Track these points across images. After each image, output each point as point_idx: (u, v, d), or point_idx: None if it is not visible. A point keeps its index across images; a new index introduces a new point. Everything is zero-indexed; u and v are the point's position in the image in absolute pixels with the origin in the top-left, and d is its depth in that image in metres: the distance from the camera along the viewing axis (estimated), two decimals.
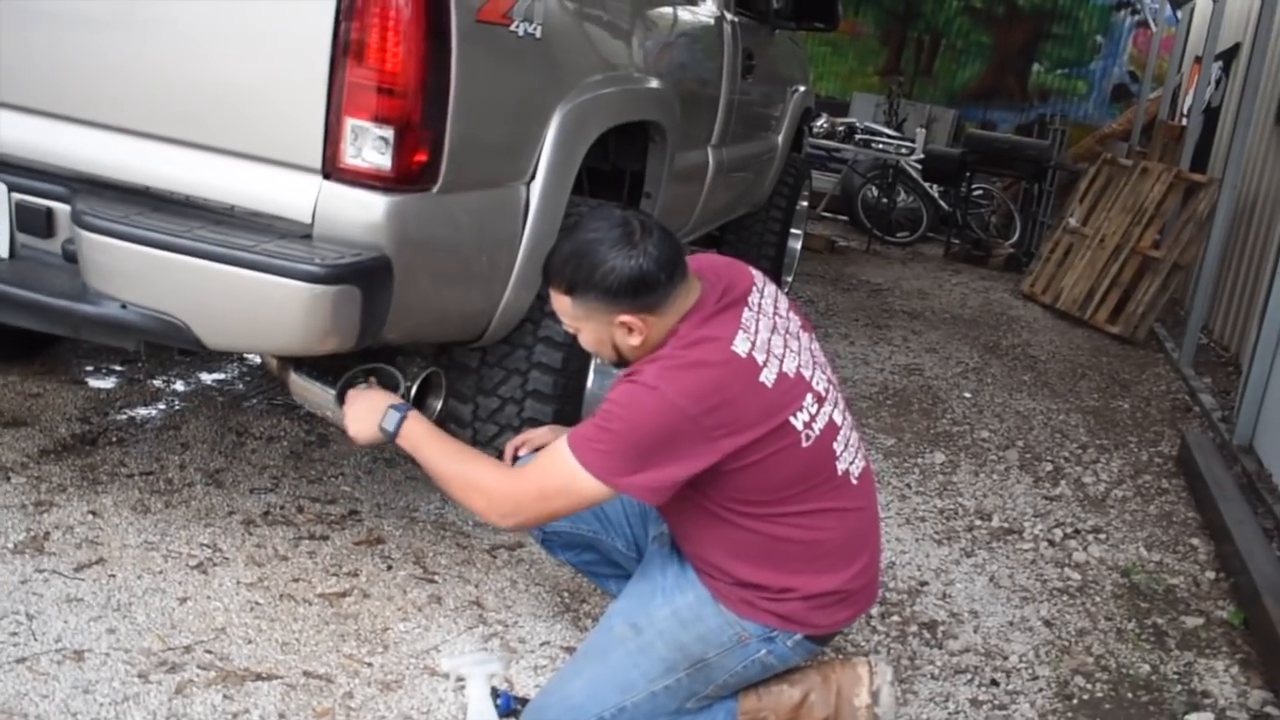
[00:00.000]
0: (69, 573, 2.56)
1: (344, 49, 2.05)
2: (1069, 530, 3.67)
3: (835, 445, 2.02)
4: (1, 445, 3.12)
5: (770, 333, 1.99)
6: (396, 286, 2.17)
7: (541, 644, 2.59)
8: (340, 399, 2.25)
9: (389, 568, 2.82)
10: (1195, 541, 3.71)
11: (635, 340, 1.98)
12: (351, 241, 2.12)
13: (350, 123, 2.08)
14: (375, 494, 3.21)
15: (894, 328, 6.26)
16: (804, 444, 1.96)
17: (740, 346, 1.92)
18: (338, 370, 2.43)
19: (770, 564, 2.00)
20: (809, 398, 1.99)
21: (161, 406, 3.58)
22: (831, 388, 2.08)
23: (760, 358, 1.94)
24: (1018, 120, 12.16)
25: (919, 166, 9.04)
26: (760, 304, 2.04)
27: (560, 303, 2.02)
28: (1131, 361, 6.21)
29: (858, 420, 4.42)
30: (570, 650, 2.56)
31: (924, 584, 3.18)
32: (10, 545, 2.63)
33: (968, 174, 8.83)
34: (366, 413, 2.12)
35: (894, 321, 6.42)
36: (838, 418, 2.06)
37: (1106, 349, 6.42)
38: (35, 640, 2.30)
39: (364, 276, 2.08)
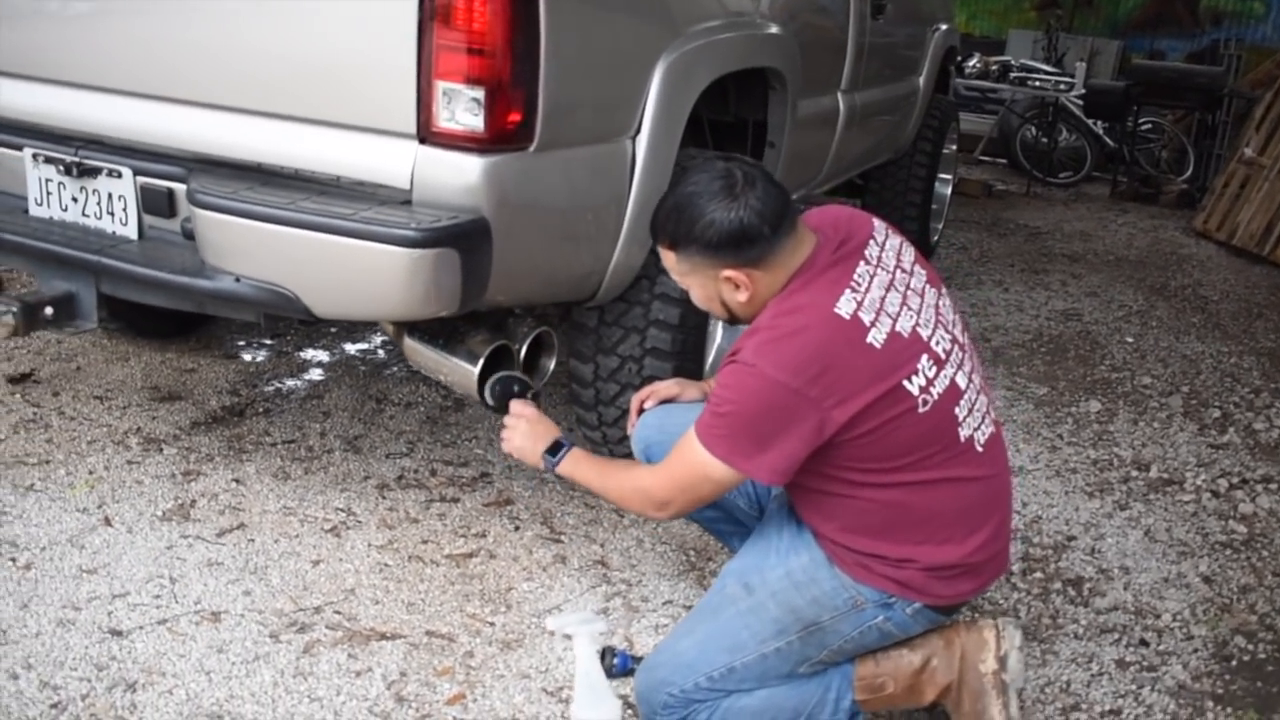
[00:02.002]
0: (211, 538, 2.68)
1: (430, 12, 2.04)
2: (1235, 480, 3.43)
3: (957, 410, 1.91)
4: (156, 419, 3.29)
5: (885, 289, 1.89)
6: (497, 248, 2.16)
7: (665, 603, 2.57)
8: (496, 399, 2.35)
9: (516, 528, 2.84)
10: None
11: (742, 296, 1.92)
12: (449, 205, 2.12)
13: (441, 86, 2.07)
14: (506, 456, 3.23)
15: (1052, 272, 5.96)
16: (920, 409, 1.85)
17: (844, 307, 1.83)
18: (451, 334, 2.45)
19: (887, 535, 1.91)
20: (925, 360, 1.87)
21: (306, 377, 3.71)
22: (956, 348, 1.95)
23: (867, 318, 1.84)
24: (1188, 48, 11.34)
25: (1080, 103, 8.56)
26: (879, 257, 1.94)
27: (667, 259, 1.98)
28: None
29: (1008, 371, 4.23)
30: (692, 609, 2.53)
31: (1071, 539, 3.02)
32: (159, 513, 2.77)
33: (1134, 107, 8.31)
34: (530, 441, 2.18)
35: (1052, 265, 6.12)
36: (961, 380, 1.93)
37: None
38: (176, 602, 2.42)
39: (461, 239, 2.08)
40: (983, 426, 1.96)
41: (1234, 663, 2.51)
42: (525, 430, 2.21)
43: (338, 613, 2.43)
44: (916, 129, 5.42)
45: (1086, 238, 6.92)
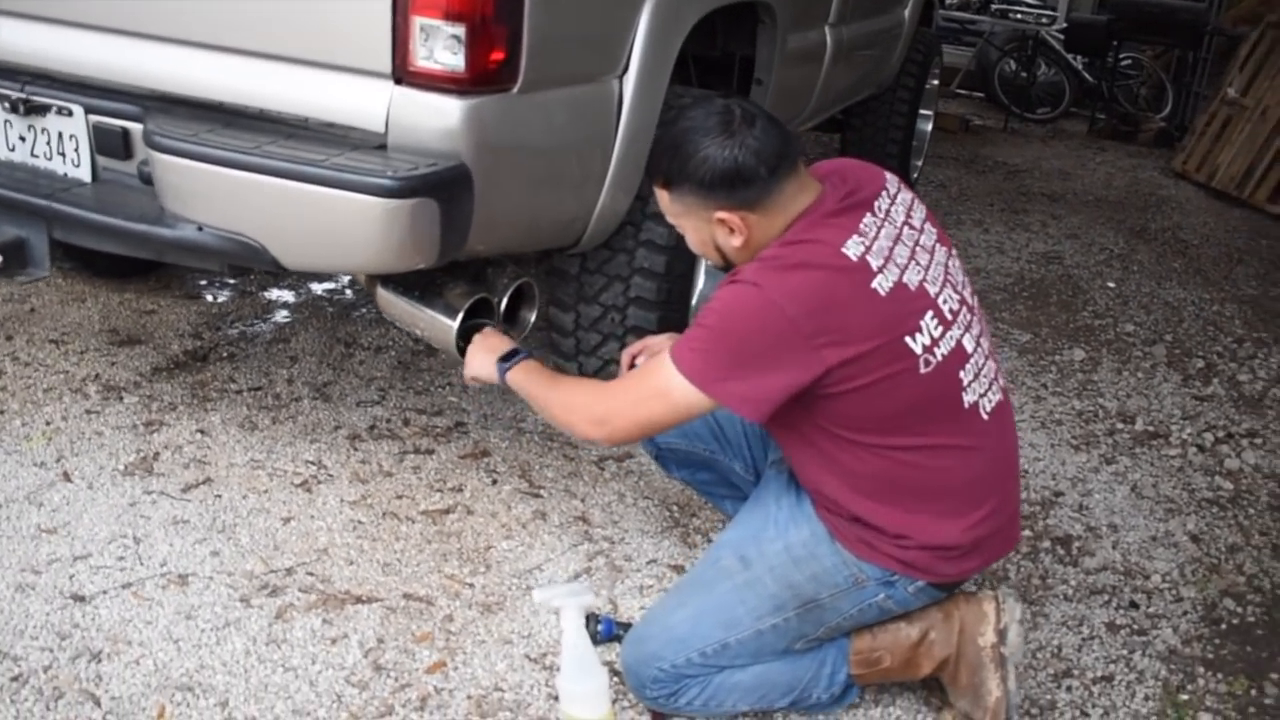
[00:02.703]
0: (176, 494, 2.57)
1: None
2: (1221, 434, 3.39)
3: (962, 374, 1.82)
4: (116, 364, 3.15)
5: (893, 241, 1.79)
6: (478, 196, 2.04)
7: (648, 562, 2.50)
8: (460, 345, 2.24)
9: (494, 482, 2.75)
10: None
11: (736, 241, 1.82)
12: (428, 150, 1.99)
13: (418, 21, 1.93)
14: (482, 404, 3.14)
15: (1032, 212, 5.88)
16: (922, 369, 1.76)
17: (852, 250, 1.74)
18: (428, 285, 2.33)
19: (886, 500, 1.83)
20: (930, 317, 1.78)
21: (272, 319, 3.57)
22: (964, 309, 1.86)
23: (875, 263, 1.74)
24: None
25: (1061, 36, 8.42)
26: (889, 210, 1.84)
27: (661, 198, 1.88)
28: None
29: (990, 316, 4.16)
30: (678, 569, 2.47)
31: (1059, 494, 2.97)
32: (121, 467, 2.65)
33: (1115, 43, 8.18)
34: (485, 354, 2.11)
35: (1032, 205, 6.04)
36: (968, 343, 1.84)
37: (1267, 231, 5.92)
38: (141, 564, 2.31)
39: (441, 188, 1.95)
40: (989, 393, 1.88)
41: (1223, 626, 2.47)
42: (479, 346, 2.13)
43: (310, 574, 2.34)
44: (900, 63, 5.29)
45: (1065, 176, 6.84)
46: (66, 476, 2.59)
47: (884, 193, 1.86)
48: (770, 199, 1.78)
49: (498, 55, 1.99)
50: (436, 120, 1.98)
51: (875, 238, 1.77)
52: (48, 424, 2.81)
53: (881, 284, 1.74)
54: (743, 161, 1.75)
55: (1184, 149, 7.05)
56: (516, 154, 2.15)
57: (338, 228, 1.95)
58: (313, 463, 2.75)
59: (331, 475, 2.71)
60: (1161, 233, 5.70)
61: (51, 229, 2.29)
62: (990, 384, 1.89)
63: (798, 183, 1.80)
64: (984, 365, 1.88)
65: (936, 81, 6.01)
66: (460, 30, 1.94)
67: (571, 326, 2.80)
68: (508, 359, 2.07)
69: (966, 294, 1.90)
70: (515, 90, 2.06)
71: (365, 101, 2.01)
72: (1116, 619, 2.46)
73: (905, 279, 1.77)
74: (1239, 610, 2.53)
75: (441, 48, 1.95)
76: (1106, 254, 5.23)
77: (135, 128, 2.19)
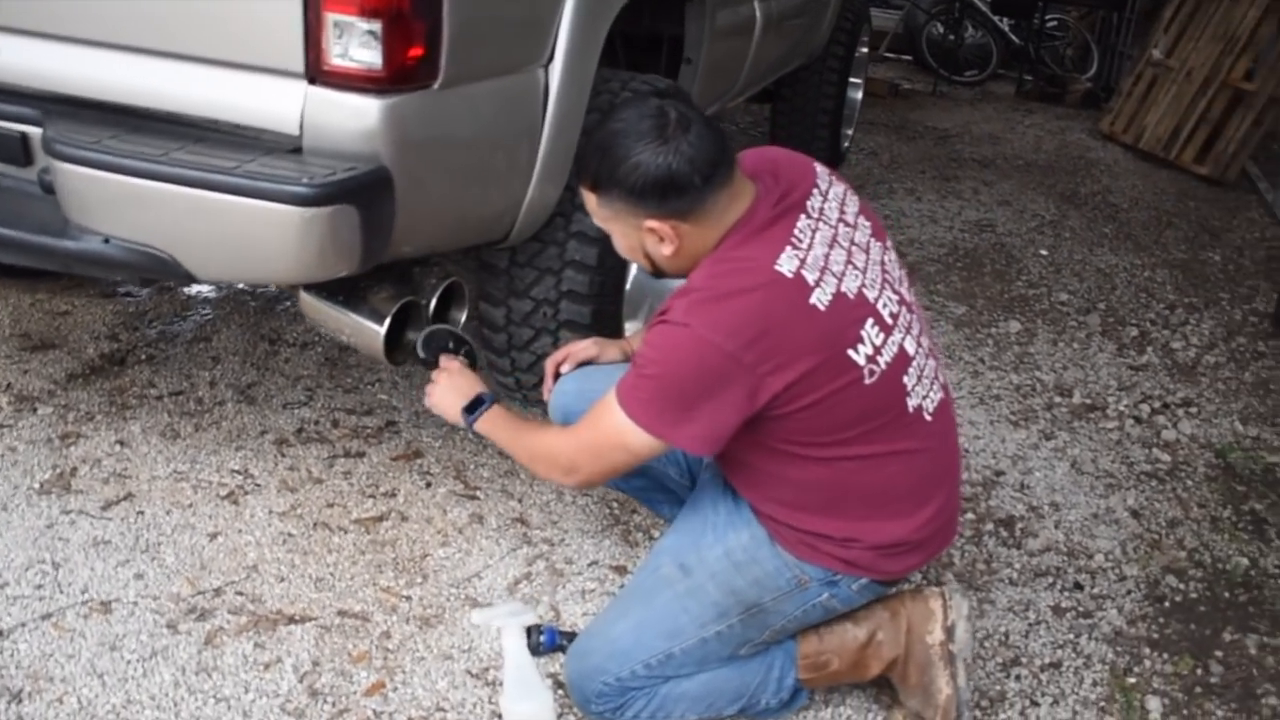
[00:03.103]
0: (96, 512, 2.46)
1: None
2: (1157, 404, 3.42)
3: (905, 379, 1.78)
4: (29, 372, 3.01)
5: (829, 246, 1.73)
6: (400, 199, 1.95)
7: (590, 564, 2.44)
8: (426, 355, 2.16)
9: (428, 485, 2.67)
10: None
11: (667, 250, 1.74)
12: (345, 153, 1.89)
13: (331, 18, 1.83)
14: (413, 400, 3.05)
15: (963, 179, 5.89)
16: (867, 380, 1.71)
17: (786, 265, 1.67)
18: (352, 289, 2.24)
19: (831, 511, 1.79)
20: (871, 325, 1.73)
21: (193, 317, 3.44)
22: (904, 309, 1.81)
23: (811, 276, 1.68)
24: None
25: None
26: (821, 209, 1.78)
27: (589, 200, 1.80)
28: (1222, 206, 5.78)
29: (926, 289, 4.15)
30: (620, 569, 2.42)
31: (1000, 474, 2.97)
32: (37, 485, 2.53)
33: (1041, 4, 8.21)
34: (451, 396, 2.04)
35: (963, 172, 6.04)
36: (909, 346, 1.79)
37: (1194, 192, 5.99)
38: (61, 592, 2.21)
39: (360, 193, 1.86)
40: (931, 393, 1.84)
41: (1167, 604, 2.48)
42: (446, 385, 2.05)
43: (240, 594, 2.25)
44: (829, 31, 5.23)
45: (995, 140, 6.85)
46: None
47: (815, 190, 1.80)
48: (703, 208, 1.70)
49: (416, 51, 1.89)
50: (354, 121, 1.88)
51: (810, 245, 1.71)
52: None
53: (820, 299, 1.68)
54: (676, 170, 1.66)
55: (1111, 110, 7.10)
56: (440, 152, 2.06)
57: (252, 238, 1.85)
58: (239, 472, 2.65)
59: (259, 485, 2.61)
60: (1091, 197, 5.73)
61: None
62: (932, 384, 1.85)
63: (731, 190, 1.72)
64: (925, 365, 1.84)
65: (866, 49, 5.97)
66: (376, 26, 1.83)
67: (503, 322, 2.72)
68: (473, 409, 1.99)
69: (905, 291, 1.86)
70: (436, 86, 1.97)
71: (278, 103, 1.90)
72: (1062, 601, 2.46)
73: (844, 288, 1.71)
74: (1181, 587, 2.54)
75: (357, 45, 1.85)
76: (1038, 220, 5.25)
77: (35, 132, 2.06)
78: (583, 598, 2.33)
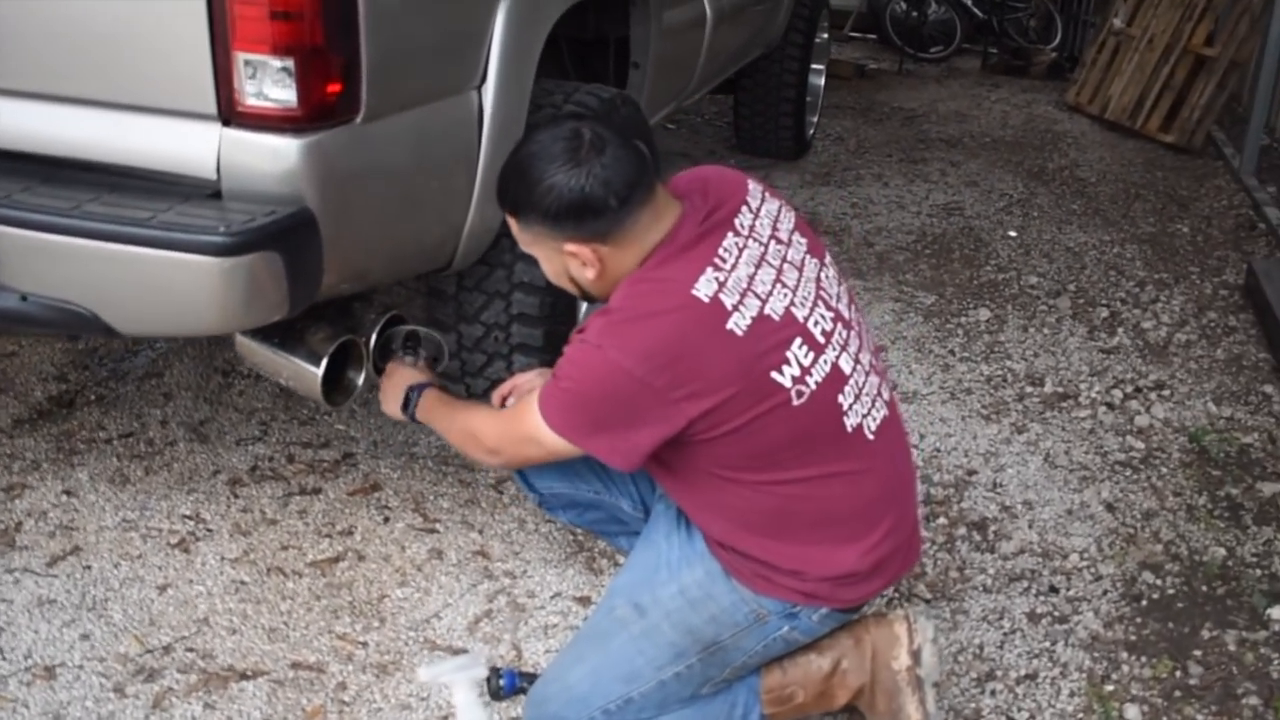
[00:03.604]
0: (41, 569, 2.38)
1: None
2: (1129, 389, 3.37)
3: (841, 398, 1.71)
4: None
5: (755, 265, 1.67)
6: (327, 240, 1.87)
7: (553, 596, 2.38)
8: (378, 365, 2.18)
9: (386, 520, 2.60)
10: (1269, 389, 3.39)
11: (590, 274, 1.70)
12: (266, 195, 1.82)
13: (241, 57, 1.75)
14: (371, 429, 2.98)
15: (931, 160, 5.82)
16: (795, 401, 1.65)
17: (704, 289, 1.61)
18: (288, 330, 2.16)
19: (777, 536, 1.73)
20: (799, 345, 1.67)
21: (145, 352, 3.35)
22: (839, 327, 1.75)
23: (729, 300, 1.62)
24: None
25: None
26: (751, 227, 1.72)
27: (512, 225, 1.76)
28: (1189, 174, 5.74)
29: (895, 279, 4.09)
30: (584, 601, 2.36)
31: (972, 473, 2.91)
32: None
33: None
34: (391, 395, 2.09)
35: (930, 153, 5.98)
36: (845, 364, 1.73)
37: (1161, 161, 5.94)
38: (4, 659, 2.13)
39: (282, 238, 1.78)
40: (874, 411, 1.78)
41: (1144, 602, 2.44)
42: (385, 386, 2.11)
43: (190, 650, 2.18)
44: (787, 19, 5.16)
45: (962, 118, 6.79)
46: None
47: (745, 207, 1.74)
48: (622, 230, 1.65)
49: (334, 87, 1.82)
50: (273, 162, 1.81)
51: (734, 266, 1.66)
52: None
53: (738, 323, 1.62)
54: (590, 192, 1.62)
55: (1076, 81, 7.05)
56: (367, 188, 1.98)
57: (172, 291, 1.77)
58: (190, 517, 2.58)
59: (211, 530, 2.54)
60: (1059, 172, 5.68)
61: None
62: (874, 402, 1.79)
63: (653, 210, 1.67)
64: (865, 383, 1.77)
65: (826, 35, 5.89)
66: (289, 63, 1.76)
67: (454, 348, 2.65)
68: (409, 401, 2.04)
69: (842, 307, 1.79)
70: (358, 120, 1.89)
71: (193, 146, 1.82)
72: (1037, 607, 2.41)
73: (768, 310, 1.65)
74: (1158, 583, 2.50)
75: (270, 83, 1.77)
76: (1006, 200, 5.19)
77: None
78: (545, 634, 2.27)
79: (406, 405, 2.03)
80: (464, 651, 2.20)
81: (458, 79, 2.16)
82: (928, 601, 2.40)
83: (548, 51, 3.02)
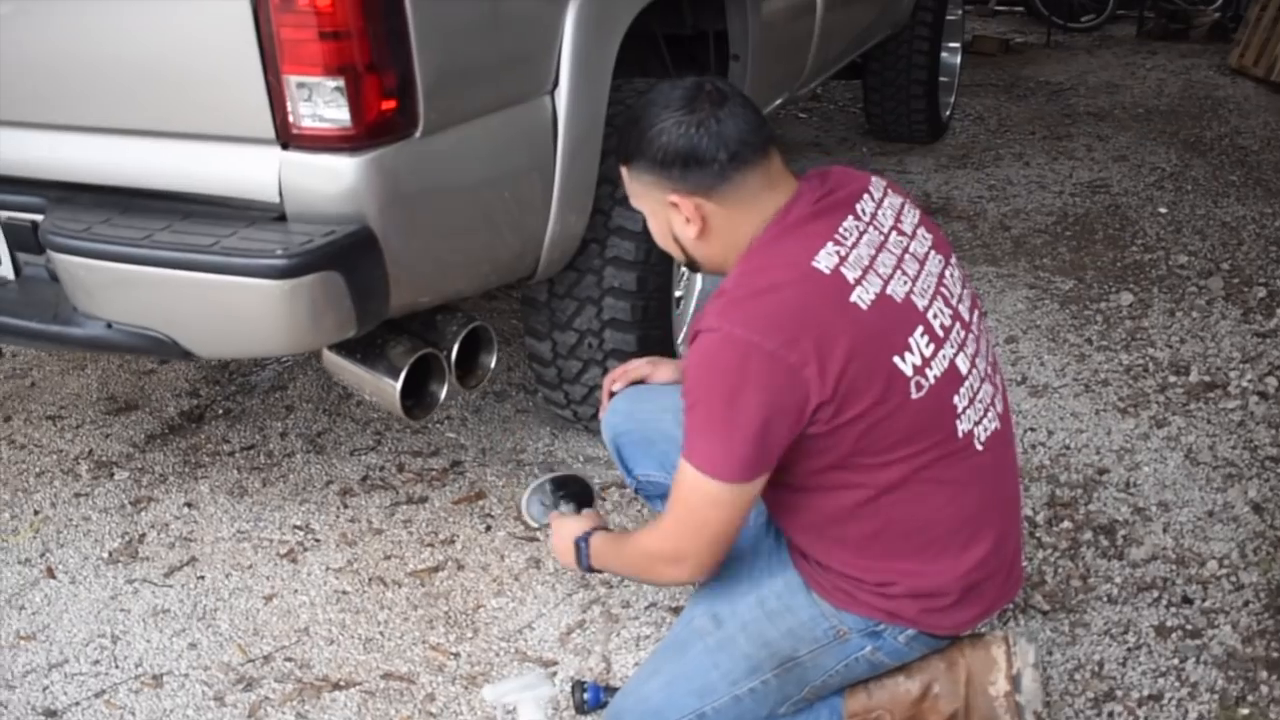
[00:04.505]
0: (159, 580, 2.47)
1: None
2: None
3: (956, 400, 1.60)
4: (110, 436, 3.07)
5: (875, 249, 1.59)
6: (391, 256, 1.87)
7: (648, 606, 2.33)
8: (540, 521, 2.15)
9: (488, 528, 2.61)
10: None
11: (692, 231, 1.63)
12: (327, 215, 1.83)
13: (293, 80, 1.76)
14: (481, 436, 3.00)
15: (1076, 136, 5.52)
16: (914, 394, 1.55)
17: (824, 261, 1.54)
18: (369, 344, 2.18)
19: (866, 545, 1.63)
20: (920, 333, 1.57)
21: (271, 365, 3.46)
22: (958, 325, 1.64)
23: (851, 274, 1.54)
24: None
25: None
26: (873, 215, 1.64)
27: (623, 176, 1.71)
28: None
29: (1030, 264, 3.89)
30: (679, 611, 2.30)
31: (1103, 472, 2.72)
32: (105, 554, 2.57)
33: None
34: (563, 550, 1.93)
35: (1076, 128, 5.67)
36: (961, 364, 1.62)
37: None
38: (116, 667, 2.22)
39: (341, 257, 1.79)
40: (985, 421, 1.66)
41: None
42: (555, 543, 1.96)
43: (289, 659, 2.23)
44: None
45: (1113, 89, 6.42)
46: (50, 572, 2.51)
47: (868, 195, 1.66)
48: (729, 187, 1.59)
49: (388, 103, 1.81)
50: (331, 183, 1.82)
51: (854, 245, 1.58)
52: (36, 513, 2.74)
53: (861, 297, 1.54)
54: (698, 140, 1.56)
55: (1239, 42, 6.56)
56: (431, 202, 1.97)
57: (239, 314, 1.81)
58: (300, 527, 2.64)
59: (318, 540, 2.59)
60: (1218, 141, 5.29)
61: None
62: (986, 411, 1.67)
63: (765, 176, 1.61)
64: (980, 390, 1.66)
65: (961, 11, 5.65)
66: (340, 82, 1.76)
67: (550, 356, 2.63)
68: (580, 553, 1.88)
69: (963, 309, 1.68)
70: (418, 135, 1.88)
71: (255, 171, 1.85)
72: (1167, 619, 2.23)
73: (890, 290, 1.57)
74: None
75: (324, 104, 1.78)
76: (1157, 175, 4.87)
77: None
78: (637, 645, 2.23)
79: (580, 558, 1.88)
80: (551, 663, 2.18)
81: (526, 85, 2.14)
82: (1045, 613, 2.25)
83: (646, 48, 2.98)
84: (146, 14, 1.84)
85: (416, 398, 2.18)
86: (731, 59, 3.15)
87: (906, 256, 1.63)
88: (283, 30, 1.72)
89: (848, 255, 1.56)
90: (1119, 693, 2.05)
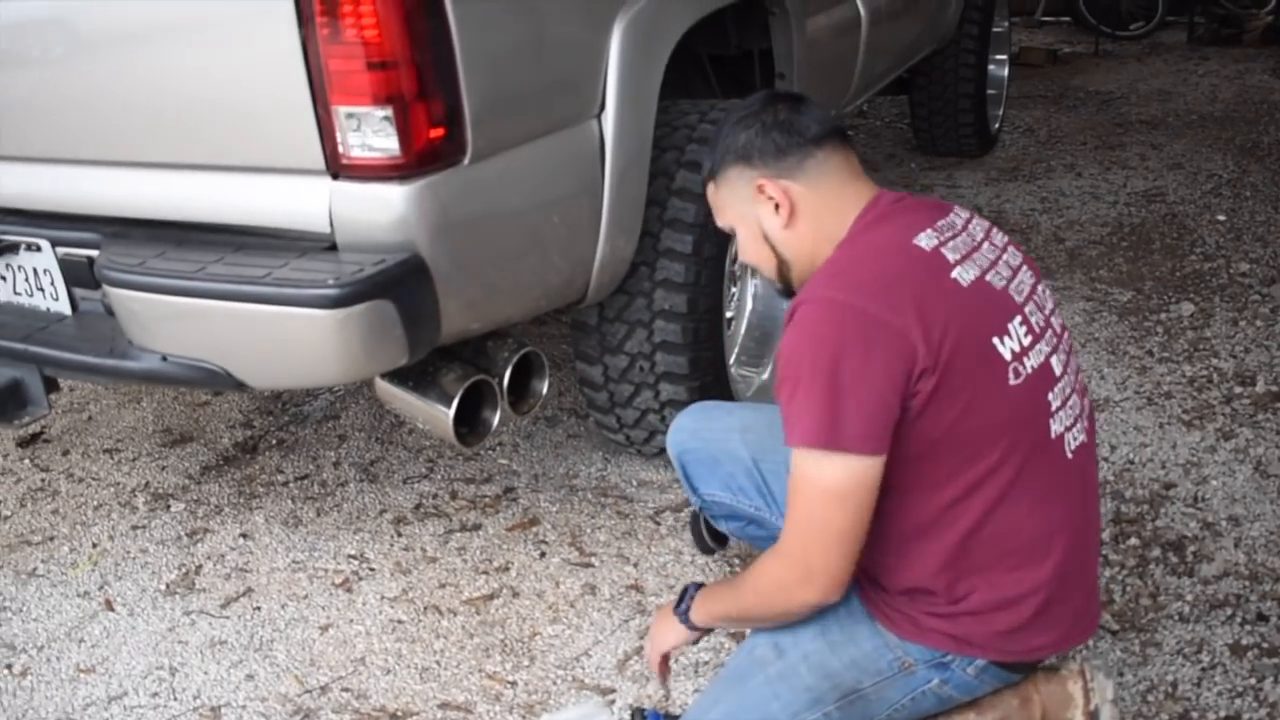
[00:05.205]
0: (216, 611, 2.48)
1: (312, 26, 1.73)
2: None
3: (1050, 397, 1.57)
4: (166, 469, 3.10)
5: (970, 248, 1.59)
6: (442, 284, 1.87)
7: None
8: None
9: (542, 555, 2.59)
10: None
11: (782, 218, 1.63)
12: (378, 244, 1.83)
13: (341, 111, 1.77)
14: (534, 462, 2.99)
15: (1129, 145, 5.43)
16: (1012, 380, 1.52)
17: (924, 241, 1.54)
18: (422, 372, 2.18)
19: (948, 556, 1.58)
20: (1019, 323, 1.55)
21: (324, 395, 3.48)
22: (1051, 331, 1.62)
23: (952, 256, 1.54)
24: None
25: None
26: (963, 225, 1.64)
27: (711, 199, 1.74)
28: None
29: (1086, 276, 3.83)
30: (738, 637, 2.26)
31: (1170, 487, 2.65)
32: (163, 586, 2.58)
33: None
34: (662, 621, 1.86)
35: (1129, 137, 5.58)
36: (1056, 365, 1.59)
37: None
38: (175, 699, 2.23)
39: (392, 286, 1.79)
40: (1075, 429, 1.62)
41: None
42: (656, 625, 1.89)
43: (346, 690, 2.22)
44: (959, 11, 4.92)
45: (1165, 97, 6.31)
46: (109, 605, 2.53)
47: (954, 213, 1.66)
48: (814, 167, 1.62)
49: (437, 131, 1.81)
50: (381, 212, 1.82)
51: (951, 236, 1.58)
52: (94, 546, 2.77)
53: (962, 275, 1.53)
54: (783, 121, 1.62)
55: None
56: (481, 228, 1.97)
57: (292, 345, 1.81)
58: (355, 556, 2.64)
59: (373, 569, 2.59)
60: (1276, 146, 5.19)
61: (42, 367, 2.22)
62: (1077, 419, 1.63)
63: (848, 164, 1.64)
64: (1071, 397, 1.62)
65: (1007, 23, 5.60)
66: (389, 111, 1.77)
67: (601, 380, 2.62)
68: (683, 611, 1.80)
69: (1055, 322, 1.65)
70: (466, 162, 1.88)
71: (306, 202, 1.86)
72: (1242, 638, 2.16)
73: (988, 278, 1.56)
74: None
75: (372, 133, 1.79)
76: (1214, 182, 4.77)
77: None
78: (695, 672, 2.19)
79: (680, 606, 1.80)
80: (609, 691, 2.15)
81: (573, 110, 2.13)
82: (1114, 633, 2.19)
83: (692, 69, 2.97)
84: (196, 50, 1.86)
85: (469, 425, 2.17)
86: (777, 78, 3.13)
87: (1000, 263, 1.62)
88: (331, 61, 1.73)
89: (947, 241, 1.56)
90: (1194, 714, 1.98)
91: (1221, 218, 4.34)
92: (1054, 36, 8.15)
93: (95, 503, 2.96)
